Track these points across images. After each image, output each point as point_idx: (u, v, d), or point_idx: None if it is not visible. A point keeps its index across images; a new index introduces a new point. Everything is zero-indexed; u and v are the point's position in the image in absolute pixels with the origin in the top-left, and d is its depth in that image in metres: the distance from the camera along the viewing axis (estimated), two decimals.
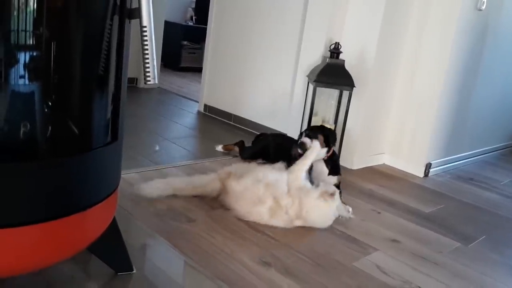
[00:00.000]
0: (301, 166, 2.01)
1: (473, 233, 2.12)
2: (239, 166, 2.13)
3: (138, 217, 1.78)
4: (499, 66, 3.42)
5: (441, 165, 3.07)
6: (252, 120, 3.42)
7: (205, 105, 3.83)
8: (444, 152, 3.10)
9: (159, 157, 2.59)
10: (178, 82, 5.36)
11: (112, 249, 1.35)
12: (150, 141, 2.86)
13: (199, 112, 3.84)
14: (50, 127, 1.09)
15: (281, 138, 2.72)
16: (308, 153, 2.08)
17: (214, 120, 3.64)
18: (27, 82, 1.01)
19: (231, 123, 3.57)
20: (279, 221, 1.87)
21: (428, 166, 2.93)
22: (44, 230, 1.05)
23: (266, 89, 3.34)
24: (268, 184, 1.90)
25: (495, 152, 3.78)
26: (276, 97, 3.29)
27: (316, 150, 2.10)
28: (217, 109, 3.72)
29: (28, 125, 1.03)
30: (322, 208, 1.88)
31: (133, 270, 1.39)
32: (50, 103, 1.08)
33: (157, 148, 2.72)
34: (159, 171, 2.31)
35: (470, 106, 3.24)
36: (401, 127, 2.98)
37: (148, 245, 1.62)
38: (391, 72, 2.92)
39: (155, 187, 1.98)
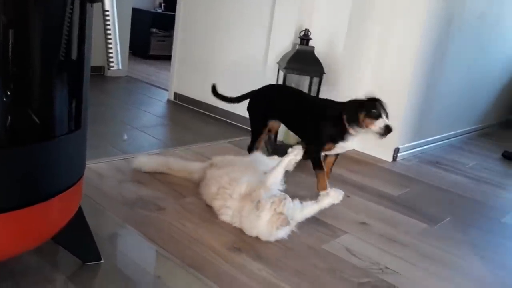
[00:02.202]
0: (271, 178, 1.79)
1: (440, 215, 2.17)
2: (221, 158, 2.11)
3: (106, 207, 1.75)
4: (465, 53, 3.50)
5: (409, 150, 3.13)
6: (224, 108, 3.40)
7: (175, 94, 3.79)
8: (411, 137, 3.16)
9: (128, 146, 2.56)
10: (147, 70, 5.28)
11: (78, 239, 1.32)
12: (118, 130, 2.81)
13: (169, 101, 3.79)
14: (10, 116, 1.05)
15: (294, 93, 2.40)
16: (281, 161, 1.82)
17: (185, 108, 3.60)
18: None
19: (202, 111, 3.54)
20: (226, 217, 1.78)
21: (396, 151, 2.98)
22: (6, 220, 1.02)
23: (237, 76, 3.32)
24: (232, 180, 1.82)
25: (461, 136, 3.88)
26: (246, 84, 3.27)
27: (292, 156, 1.82)
28: (187, 97, 3.68)
29: None
30: (253, 222, 1.67)
31: (101, 260, 1.37)
32: (9, 91, 1.04)
33: (125, 137, 2.68)
34: (128, 160, 2.28)
35: (437, 92, 3.30)
36: None
37: (116, 234, 1.60)
38: (360, 59, 2.94)
39: (151, 161, 2.12)
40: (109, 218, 1.68)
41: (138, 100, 3.75)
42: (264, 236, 1.66)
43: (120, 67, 1.14)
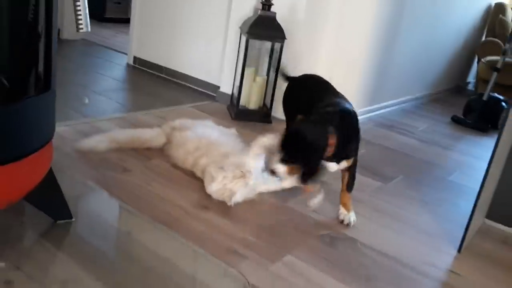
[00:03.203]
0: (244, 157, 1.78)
1: (392, 174, 2.32)
2: (182, 121, 2.16)
3: (72, 169, 1.77)
4: (419, 21, 3.62)
5: (365, 114, 3.26)
6: (184, 72, 3.40)
7: (135, 57, 3.73)
8: (368, 101, 3.29)
9: (88, 110, 2.54)
10: (103, 33, 5.13)
11: (50, 198, 1.35)
12: (78, 94, 2.78)
13: (128, 65, 3.74)
14: None
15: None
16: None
17: (145, 72, 3.57)
18: None
19: (163, 75, 3.52)
20: (198, 172, 1.88)
21: None
22: None
23: (199, 41, 3.32)
24: (209, 143, 1.93)
25: (414, 101, 4.06)
26: (208, 49, 3.28)
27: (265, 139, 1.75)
28: (147, 61, 3.65)
29: None
30: (206, 183, 1.77)
31: (72, 218, 1.41)
32: None
33: (86, 101, 2.66)
34: (90, 124, 2.28)
35: (392, 59, 3.43)
36: (329, 78, 3.11)
37: (84, 194, 1.63)
38: (320, 24, 3.00)
39: (100, 141, 1.98)
40: (76, 179, 1.70)
41: (96, 64, 3.68)
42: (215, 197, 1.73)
43: (89, 30, 1.15)
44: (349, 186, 1.77)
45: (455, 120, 3.63)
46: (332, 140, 1.55)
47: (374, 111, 3.40)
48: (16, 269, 1.18)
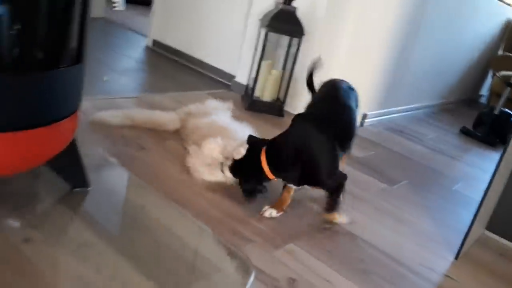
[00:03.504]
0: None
1: (398, 177, 2.36)
2: (195, 106, 2.21)
3: (90, 142, 1.83)
4: (438, 31, 3.65)
5: (376, 117, 3.30)
6: (201, 59, 3.45)
7: (154, 40, 3.79)
8: (379, 105, 3.33)
9: (108, 87, 2.60)
10: (125, 14, 5.18)
11: (70, 166, 1.41)
12: (98, 71, 2.84)
13: (147, 47, 3.80)
14: (22, 46, 1.11)
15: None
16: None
17: (162, 56, 3.63)
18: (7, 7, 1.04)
19: (180, 60, 3.58)
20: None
21: (364, 117, 3.15)
22: (12, 139, 1.10)
23: (218, 30, 3.36)
24: (220, 128, 1.99)
25: (426, 109, 4.09)
26: (227, 39, 3.33)
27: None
28: (166, 45, 3.70)
29: (9, 43, 1.06)
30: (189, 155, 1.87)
31: (89, 187, 1.47)
32: (23, 24, 1.09)
33: (105, 78, 2.72)
34: (109, 100, 2.34)
35: (407, 65, 3.46)
36: (343, 77, 3.15)
37: (102, 167, 1.69)
38: (339, 24, 3.03)
39: (115, 115, 2.05)
40: (94, 151, 1.76)
41: (116, 43, 3.74)
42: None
43: (123, 8, 1.20)
44: (327, 206, 1.65)
45: (465, 132, 3.66)
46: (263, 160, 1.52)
47: (385, 115, 3.44)
48: (34, 229, 1.24)
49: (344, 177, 1.64)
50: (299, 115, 1.63)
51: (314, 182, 1.58)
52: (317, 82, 2.03)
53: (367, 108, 3.15)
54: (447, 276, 1.60)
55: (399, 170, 2.49)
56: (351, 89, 1.86)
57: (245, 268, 1.34)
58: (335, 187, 1.62)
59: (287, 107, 2.92)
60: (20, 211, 1.30)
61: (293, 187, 1.64)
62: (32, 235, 1.22)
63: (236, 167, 1.60)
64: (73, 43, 1.22)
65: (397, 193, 2.18)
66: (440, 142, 3.25)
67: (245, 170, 1.58)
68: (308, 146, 1.51)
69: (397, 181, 2.32)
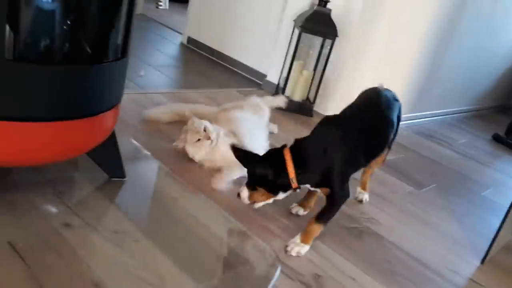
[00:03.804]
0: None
1: (426, 181, 2.36)
2: (233, 103, 2.27)
3: (127, 135, 1.91)
4: (473, 36, 3.60)
5: (406, 120, 3.29)
6: (234, 57, 3.50)
7: (189, 38, 3.87)
8: (410, 109, 3.32)
9: (143, 82, 2.68)
10: (161, 11, 5.29)
11: (109, 156, 1.48)
12: (134, 66, 2.92)
13: (182, 44, 3.88)
14: (72, 40, 1.19)
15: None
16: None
17: (196, 53, 3.70)
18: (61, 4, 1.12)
19: (213, 58, 3.64)
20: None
21: None
22: (57, 129, 1.17)
23: (252, 29, 3.41)
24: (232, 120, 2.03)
25: (457, 115, 4.04)
26: (260, 38, 3.37)
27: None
28: (200, 42, 3.77)
29: (60, 36, 1.14)
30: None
31: (125, 177, 1.54)
32: (74, 20, 1.17)
33: (142, 73, 2.80)
34: (145, 95, 2.42)
35: (440, 69, 3.43)
36: (375, 80, 3.15)
37: (138, 159, 1.76)
38: (374, 26, 3.04)
39: (163, 112, 2.14)
40: (131, 144, 1.84)
41: (152, 39, 3.84)
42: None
43: (167, 7, 1.26)
44: (320, 215, 1.49)
45: (496, 139, 3.61)
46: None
47: (415, 119, 3.43)
48: (74, 215, 1.32)
49: (347, 194, 1.53)
50: (326, 117, 1.58)
51: (326, 184, 1.49)
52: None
53: None
54: (472, 280, 1.61)
55: (428, 174, 2.48)
56: (395, 99, 1.77)
57: (271, 262, 1.39)
58: (338, 198, 1.50)
59: (317, 108, 2.95)
60: (61, 197, 1.38)
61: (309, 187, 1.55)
62: (72, 221, 1.29)
63: (248, 157, 1.47)
64: (119, 38, 1.29)
65: (425, 196, 2.18)
66: (470, 148, 3.22)
67: (264, 164, 1.44)
68: (326, 150, 1.45)
69: (425, 185, 2.32)
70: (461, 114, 4.11)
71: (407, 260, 1.61)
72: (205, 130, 1.78)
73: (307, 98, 2.98)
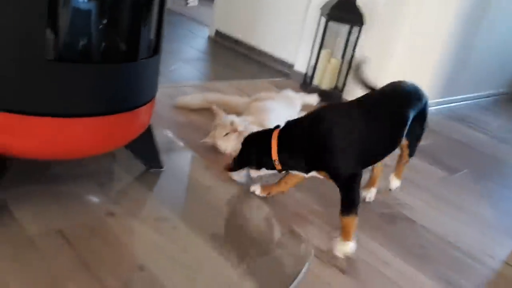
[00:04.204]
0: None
1: (458, 166, 2.35)
2: (265, 94, 2.32)
3: (162, 127, 1.97)
4: (505, 16, 3.51)
5: (436, 105, 3.26)
6: (261, 48, 3.52)
7: (216, 31, 3.91)
8: (440, 93, 3.28)
9: (174, 75, 2.75)
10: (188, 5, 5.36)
11: (147, 148, 1.55)
12: (164, 60, 2.98)
13: (209, 37, 3.93)
14: (111, 39, 1.26)
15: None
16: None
17: (224, 46, 3.74)
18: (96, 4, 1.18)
19: (241, 50, 3.67)
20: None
21: None
22: (98, 123, 1.24)
23: (279, 19, 3.43)
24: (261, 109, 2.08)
25: (490, 98, 3.96)
26: (287, 28, 3.38)
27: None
28: (227, 35, 3.81)
29: (98, 37, 1.20)
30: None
31: (162, 168, 1.60)
32: (111, 20, 1.23)
33: (172, 67, 2.87)
34: (176, 88, 2.48)
35: (471, 51, 3.37)
36: (404, 67, 3.13)
37: (173, 150, 1.82)
38: (401, 13, 3.01)
39: (193, 97, 2.27)
40: (166, 135, 1.90)
41: (180, 33, 3.90)
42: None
43: (196, 4, 1.31)
44: (342, 208, 1.42)
45: None
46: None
47: (446, 103, 3.38)
48: (116, 204, 1.39)
49: (354, 173, 1.42)
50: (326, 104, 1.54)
51: (320, 166, 1.44)
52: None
53: (427, 96, 3.11)
54: (507, 264, 1.60)
55: (460, 159, 2.46)
56: (419, 96, 1.72)
57: (304, 246, 1.42)
58: (344, 180, 1.42)
59: (345, 95, 2.95)
60: (103, 188, 1.45)
61: (303, 174, 1.51)
62: (114, 209, 1.36)
63: (247, 140, 1.54)
64: (152, 36, 1.34)
65: (457, 181, 2.17)
66: (504, 131, 3.16)
67: (252, 145, 1.51)
68: (318, 130, 1.40)
69: (458, 169, 2.30)
70: (494, 97, 4.03)
71: (440, 244, 1.62)
72: (232, 124, 1.82)
73: (336, 87, 2.99)
